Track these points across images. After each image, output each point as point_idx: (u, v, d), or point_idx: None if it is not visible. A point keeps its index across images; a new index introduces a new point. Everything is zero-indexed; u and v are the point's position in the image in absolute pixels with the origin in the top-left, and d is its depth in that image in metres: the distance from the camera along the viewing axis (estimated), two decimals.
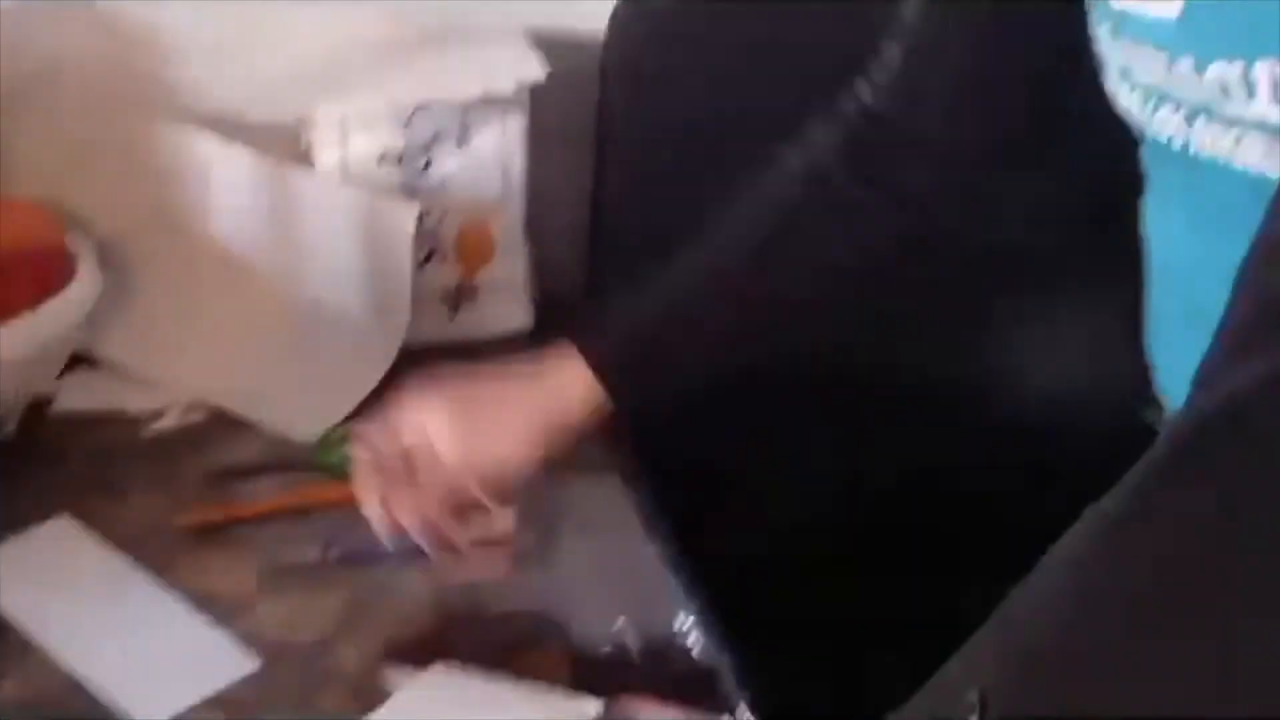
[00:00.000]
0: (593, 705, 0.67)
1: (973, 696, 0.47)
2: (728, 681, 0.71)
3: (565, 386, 0.73)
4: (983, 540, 1.03)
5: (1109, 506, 0.48)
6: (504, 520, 0.79)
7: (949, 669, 0.51)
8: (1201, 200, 0.62)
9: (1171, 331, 0.70)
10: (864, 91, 0.74)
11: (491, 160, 1.02)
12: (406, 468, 0.74)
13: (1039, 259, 0.91)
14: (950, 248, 0.74)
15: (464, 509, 0.74)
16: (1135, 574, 0.46)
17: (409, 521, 0.74)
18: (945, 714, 0.49)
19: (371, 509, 0.75)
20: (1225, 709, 0.44)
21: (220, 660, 0.73)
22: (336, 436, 0.92)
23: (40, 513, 0.85)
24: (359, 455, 0.75)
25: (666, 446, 0.93)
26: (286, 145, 1.01)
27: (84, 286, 0.94)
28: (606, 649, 0.73)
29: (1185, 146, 0.61)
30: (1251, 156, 0.58)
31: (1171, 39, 0.59)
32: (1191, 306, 0.55)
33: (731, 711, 0.69)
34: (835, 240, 0.73)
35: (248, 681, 0.71)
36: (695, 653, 0.73)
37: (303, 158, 1.01)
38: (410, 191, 1.01)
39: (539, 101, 1.01)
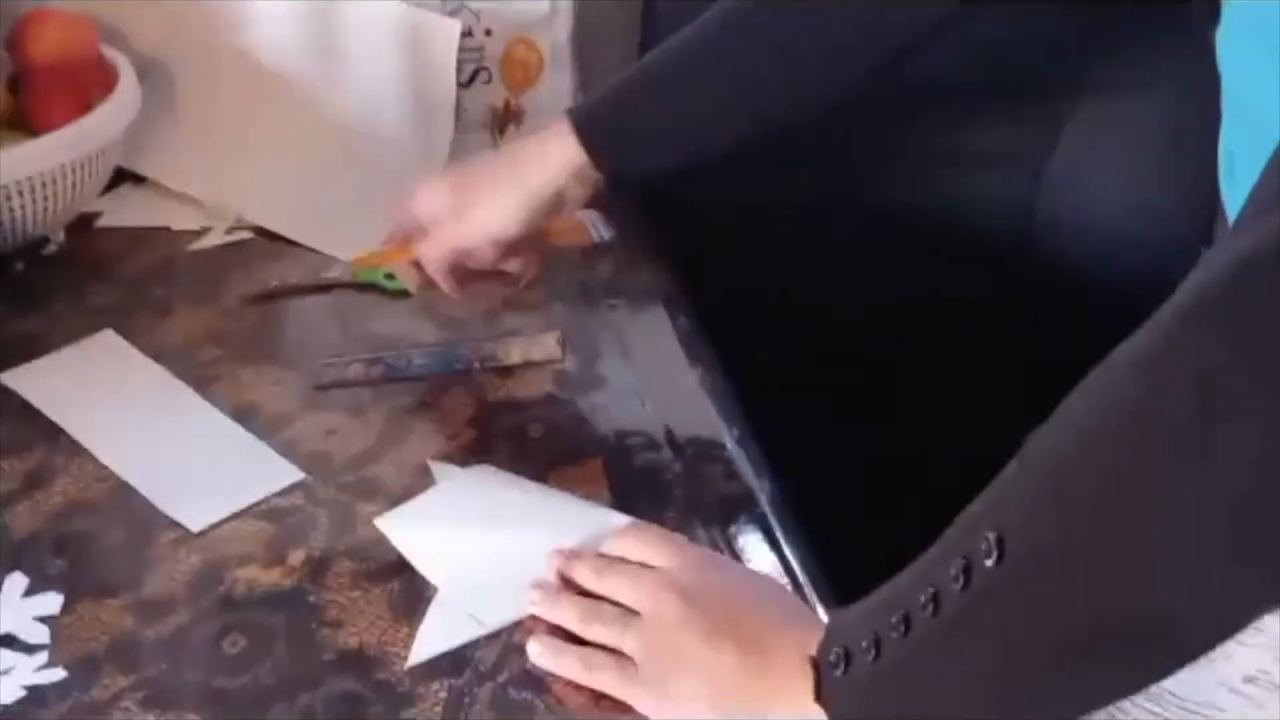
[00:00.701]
0: (622, 519, 0.67)
1: (990, 536, 0.47)
2: (764, 505, 0.70)
3: (547, 151, 0.78)
4: (1018, 377, 1.02)
5: (1131, 349, 0.46)
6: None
7: (971, 509, 0.50)
8: (1275, 33, 0.58)
9: (1244, 171, 0.67)
10: None
11: None
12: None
13: (1090, 74, 0.87)
14: (979, 36, 0.71)
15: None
16: (1149, 423, 0.44)
17: (430, 264, 0.83)
18: (964, 552, 0.48)
19: (399, 265, 0.85)
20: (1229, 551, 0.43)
21: (263, 470, 0.73)
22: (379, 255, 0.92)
23: (86, 326, 0.86)
24: (391, 227, 0.84)
25: (694, 265, 0.92)
26: None
27: (124, 98, 0.93)
28: (645, 468, 0.73)
29: None
30: None
31: None
32: (1264, 145, 0.52)
33: (770, 534, 0.68)
34: (803, 50, 0.72)
35: (290, 491, 0.72)
36: (733, 475, 0.73)
37: None
38: (455, 6, 0.98)
39: None
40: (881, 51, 0.73)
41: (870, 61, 0.74)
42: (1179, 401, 0.44)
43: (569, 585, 0.63)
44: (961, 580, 0.48)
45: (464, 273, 0.83)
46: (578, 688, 0.59)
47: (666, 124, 0.75)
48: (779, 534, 0.69)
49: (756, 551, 0.67)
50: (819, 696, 0.53)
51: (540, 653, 0.61)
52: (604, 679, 0.59)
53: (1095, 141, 0.95)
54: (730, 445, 0.75)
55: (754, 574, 0.63)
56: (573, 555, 0.64)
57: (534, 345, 0.82)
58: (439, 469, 0.73)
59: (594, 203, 0.83)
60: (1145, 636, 0.46)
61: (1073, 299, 1.01)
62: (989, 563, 0.47)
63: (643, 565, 0.62)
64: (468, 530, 0.68)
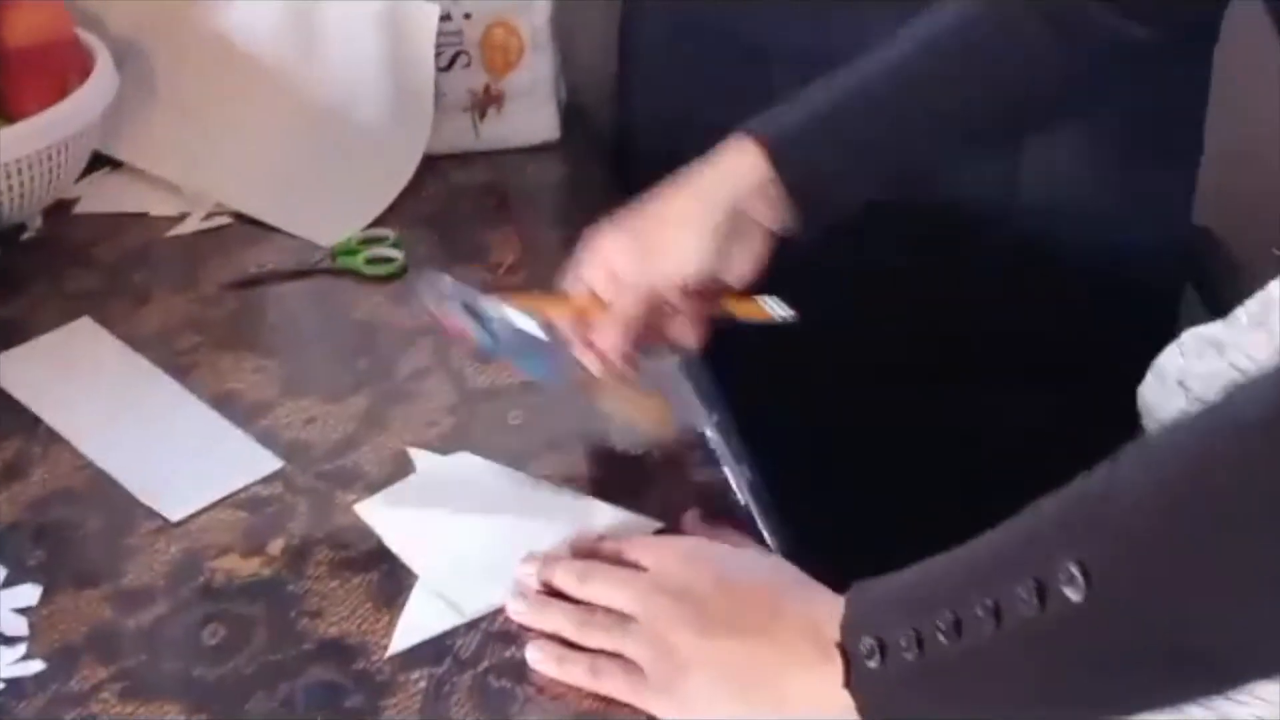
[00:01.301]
0: (605, 511, 0.67)
1: (1073, 567, 0.47)
2: (743, 491, 0.70)
3: (734, 167, 0.69)
4: (998, 352, 1.03)
5: (1227, 397, 0.47)
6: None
7: (1038, 526, 0.50)
8: None
9: None
10: None
11: None
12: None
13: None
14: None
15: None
16: (1239, 476, 0.45)
17: (626, 322, 0.69)
18: (1036, 574, 0.48)
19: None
20: None
21: (242, 459, 0.73)
22: (358, 242, 0.91)
23: (64, 313, 0.85)
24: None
25: None
26: None
27: (101, 82, 0.92)
28: (625, 456, 0.73)
29: None
30: None
31: None
32: None
33: (750, 521, 0.68)
34: (1006, 67, 0.70)
35: (269, 480, 0.72)
36: (712, 461, 0.73)
37: None
38: None
39: None
40: (1078, 54, 0.72)
41: (1067, 69, 0.72)
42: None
43: (551, 590, 0.62)
44: (1035, 601, 0.48)
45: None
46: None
47: (870, 152, 0.70)
48: (759, 520, 0.69)
49: (735, 539, 0.67)
50: (848, 683, 0.53)
51: (541, 659, 0.60)
52: (614, 685, 0.58)
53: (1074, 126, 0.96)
54: (709, 431, 0.75)
55: (742, 554, 0.62)
56: (551, 560, 0.63)
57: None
58: (419, 456, 0.73)
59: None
60: (1210, 666, 0.47)
61: (1051, 273, 1.01)
62: (1071, 592, 0.47)
63: (626, 565, 0.62)
64: (447, 518, 0.68)
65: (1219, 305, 1.00)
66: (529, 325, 0.70)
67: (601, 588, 0.61)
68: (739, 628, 0.56)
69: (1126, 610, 0.47)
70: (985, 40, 0.70)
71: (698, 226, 0.69)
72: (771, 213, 0.69)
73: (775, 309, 0.68)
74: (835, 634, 0.54)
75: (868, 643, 0.52)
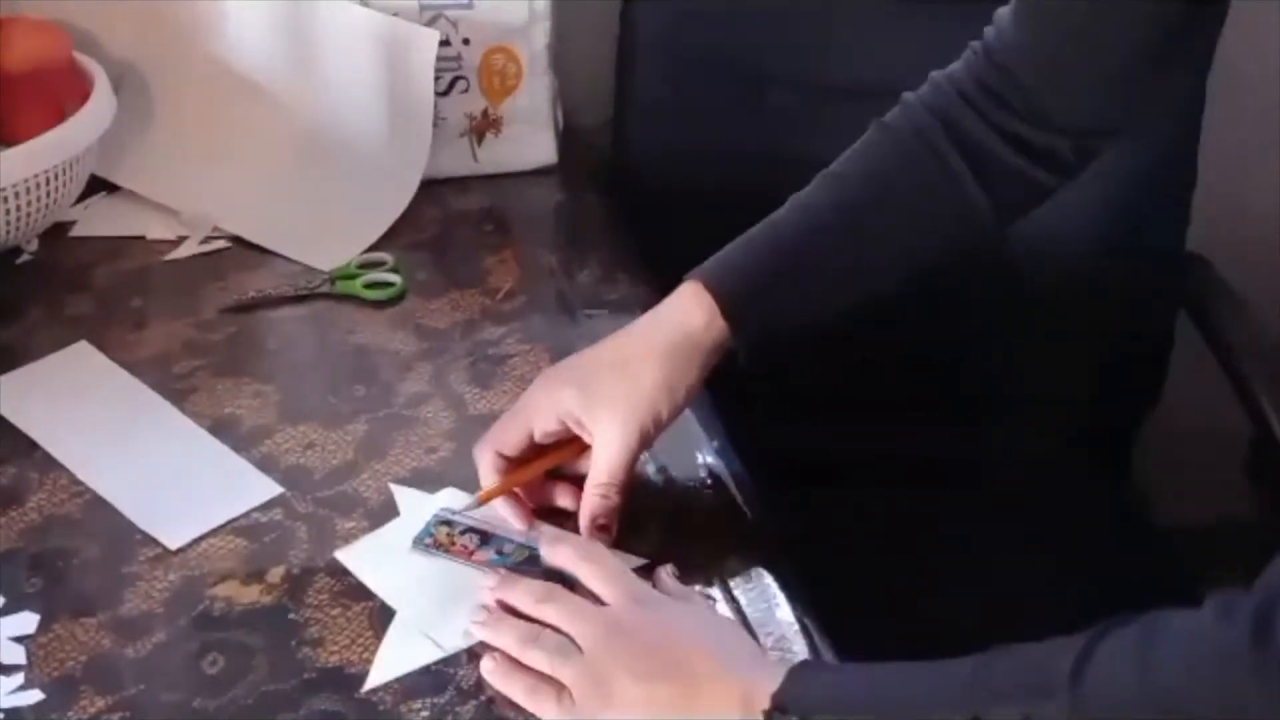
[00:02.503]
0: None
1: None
2: (746, 519, 0.71)
3: (687, 316, 0.70)
4: (994, 374, 1.04)
5: (1234, 636, 0.48)
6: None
7: (988, 676, 0.52)
8: None
9: None
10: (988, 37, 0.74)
11: None
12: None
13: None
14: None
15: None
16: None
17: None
18: (980, 716, 0.51)
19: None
20: None
21: (241, 485, 0.73)
22: (356, 266, 0.91)
23: (61, 338, 0.85)
24: (483, 454, 0.70)
25: None
26: None
27: (98, 106, 0.92)
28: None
29: None
30: None
31: None
32: None
33: (752, 547, 0.68)
34: (938, 210, 0.73)
35: (269, 507, 0.71)
36: (714, 485, 0.73)
37: None
38: (433, 15, 0.97)
39: None
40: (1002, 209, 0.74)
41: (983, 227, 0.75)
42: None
43: (513, 609, 0.64)
44: None
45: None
46: None
47: (798, 306, 0.73)
48: (761, 546, 0.69)
49: (739, 566, 0.67)
50: None
51: (492, 670, 0.61)
52: (544, 707, 0.60)
53: None
54: (710, 457, 0.75)
55: (702, 612, 0.64)
56: (509, 580, 0.65)
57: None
58: (402, 495, 0.72)
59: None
60: None
61: (1045, 302, 1.02)
62: None
63: (588, 594, 0.63)
64: (427, 557, 0.68)
65: (1213, 333, 1.01)
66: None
67: (555, 613, 0.62)
68: (673, 679, 0.58)
69: None
70: (920, 190, 0.73)
71: (656, 379, 0.69)
72: (717, 355, 0.71)
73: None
74: (765, 703, 0.56)
75: None
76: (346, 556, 0.68)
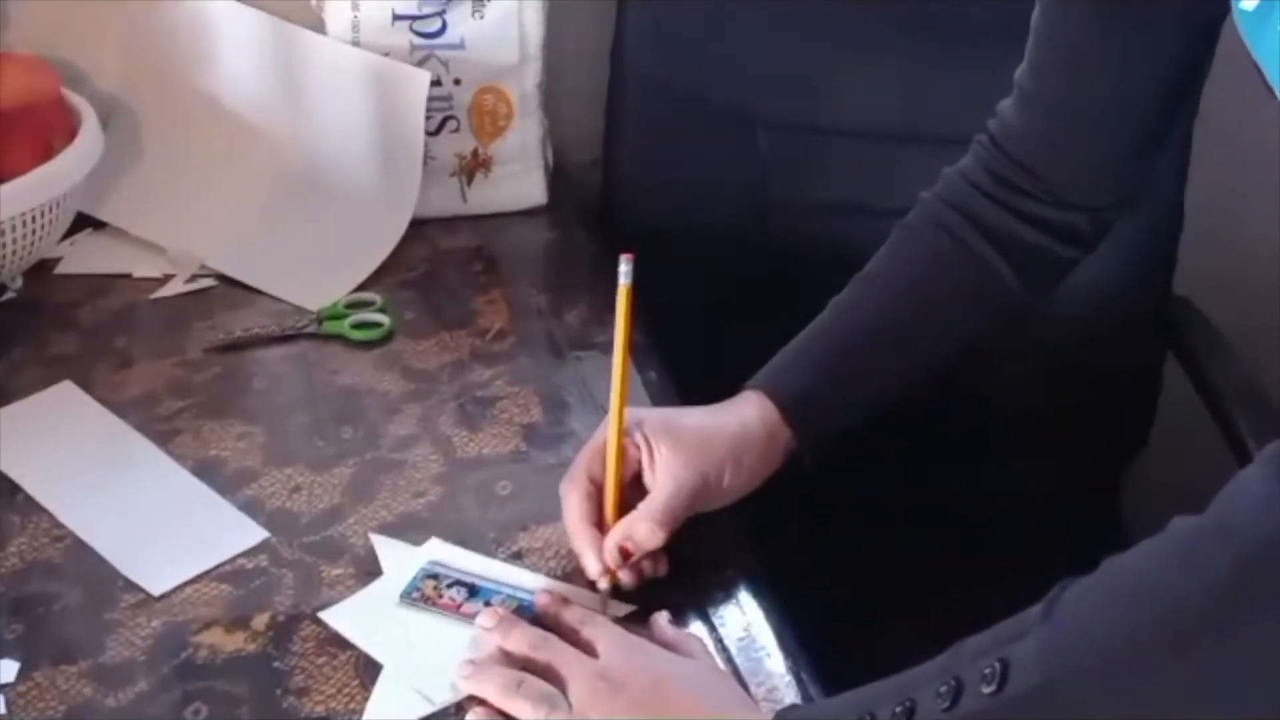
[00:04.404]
0: (577, 596, 0.67)
1: (996, 664, 0.50)
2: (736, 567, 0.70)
3: (751, 421, 0.72)
4: (986, 429, 1.04)
5: (1186, 527, 0.49)
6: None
7: (973, 641, 0.53)
8: None
9: None
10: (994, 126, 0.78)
11: (509, 22, 0.98)
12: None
13: None
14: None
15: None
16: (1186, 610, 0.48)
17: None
18: (956, 674, 0.51)
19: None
20: None
21: (226, 530, 0.72)
22: (344, 306, 0.91)
23: (44, 377, 0.84)
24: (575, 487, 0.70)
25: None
26: (296, 5, 0.98)
27: (86, 143, 0.92)
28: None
29: None
30: None
31: None
32: None
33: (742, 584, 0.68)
34: (977, 302, 0.78)
35: (254, 553, 0.71)
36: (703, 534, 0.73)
37: (313, 18, 0.98)
38: (424, 55, 0.97)
39: None
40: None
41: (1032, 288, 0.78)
42: (1217, 594, 0.47)
43: (504, 654, 0.63)
44: (948, 701, 0.50)
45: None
46: None
47: (855, 404, 0.76)
48: (749, 584, 0.69)
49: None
50: None
51: (467, 678, 0.61)
52: None
53: None
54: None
55: (689, 663, 0.63)
56: (507, 623, 0.64)
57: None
58: (384, 549, 0.70)
59: None
60: None
61: (1034, 344, 1.02)
62: (986, 689, 0.49)
63: (580, 644, 0.63)
64: (414, 611, 0.67)
65: (1199, 375, 1.01)
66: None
67: (548, 661, 0.62)
68: None
69: (1038, 708, 0.49)
70: (959, 286, 0.77)
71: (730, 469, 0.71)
72: (778, 460, 0.73)
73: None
74: None
75: None
76: (332, 617, 0.66)
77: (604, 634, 0.63)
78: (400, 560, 0.70)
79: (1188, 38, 0.70)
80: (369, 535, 0.71)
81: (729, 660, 0.65)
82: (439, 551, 0.70)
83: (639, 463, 0.70)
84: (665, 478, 0.68)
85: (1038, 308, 0.80)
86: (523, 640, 0.63)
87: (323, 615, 0.66)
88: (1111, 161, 0.75)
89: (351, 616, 0.66)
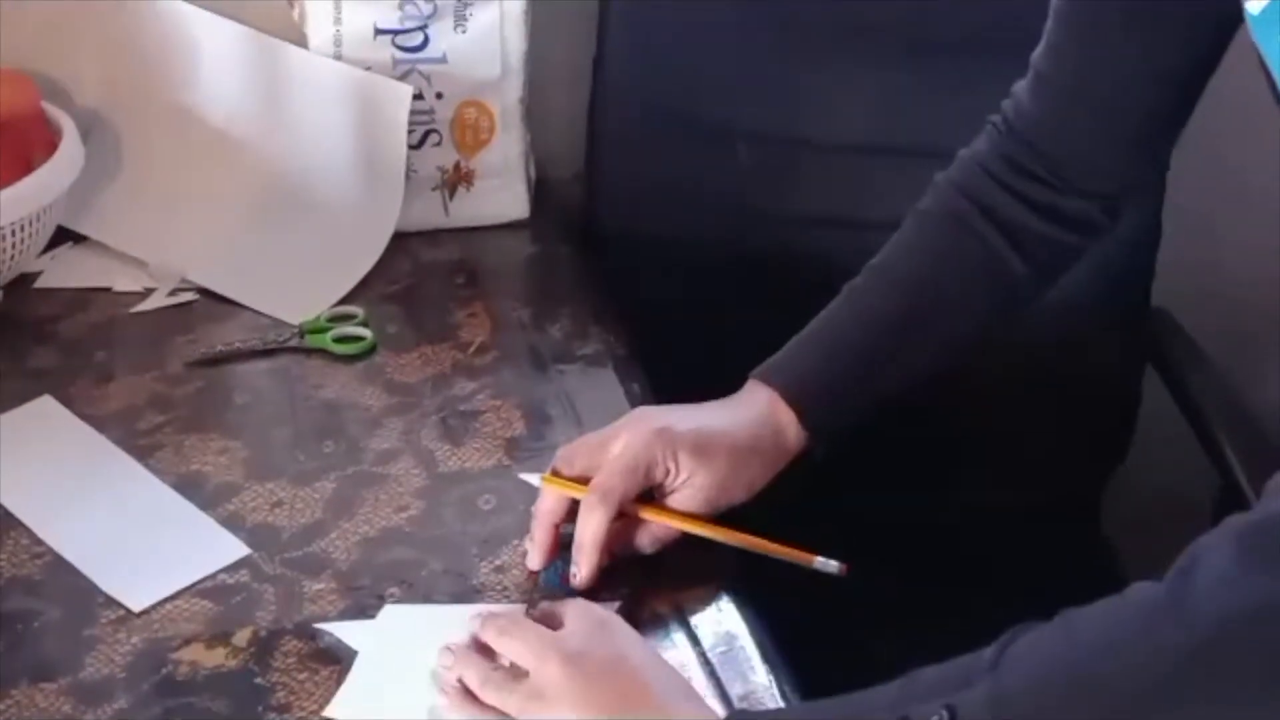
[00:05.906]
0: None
1: (944, 712, 0.51)
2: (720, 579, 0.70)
3: (779, 424, 0.74)
4: (965, 448, 1.04)
5: (1144, 596, 0.50)
6: None
7: (926, 675, 0.54)
8: None
9: None
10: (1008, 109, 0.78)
11: (491, 37, 0.98)
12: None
13: None
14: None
15: None
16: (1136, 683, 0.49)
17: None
18: (905, 713, 0.52)
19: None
20: None
21: (207, 545, 0.72)
22: (326, 319, 0.91)
23: (24, 391, 0.84)
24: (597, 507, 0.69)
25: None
26: (278, 19, 0.98)
27: (66, 156, 0.92)
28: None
29: None
30: None
31: None
32: None
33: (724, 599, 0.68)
34: (986, 293, 0.78)
35: (235, 568, 0.70)
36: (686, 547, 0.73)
37: (295, 32, 0.98)
38: (406, 69, 0.97)
39: None
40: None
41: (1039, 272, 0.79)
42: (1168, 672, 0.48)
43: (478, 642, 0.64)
44: None
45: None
46: None
47: (868, 396, 0.77)
48: (732, 595, 0.69)
49: (709, 615, 0.67)
50: None
51: (446, 705, 0.61)
52: None
53: None
54: None
55: (648, 651, 0.64)
56: (489, 616, 0.64)
57: None
58: (341, 632, 0.66)
59: None
60: None
61: (1012, 356, 1.02)
62: None
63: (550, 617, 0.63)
64: (416, 680, 0.63)
65: (1178, 388, 1.02)
66: None
67: (510, 644, 0.62)
68: (612, 711, 0.58)
69: None
70: (968, 278, 0.78)
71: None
72: (789, 456, 0.74)
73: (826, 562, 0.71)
74: None
75: None
76: (334, 712, 0.62)
77: (572, 608, 0.64)
78: (364, 632, 0.66)
79: (1202, 28, 0.71)
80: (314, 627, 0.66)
81: (711, 672, 0.65)
82: (397, 617, 0.67)
83: (664, 473, 0.70)
84: (697, 504, 0.70)
85: (1032, 305, 0.80)
86: (492, 628, 0.63)
87: (326, 713, 0.62)
88: (1120, 146, 0.76)
89: (354, 706, 0.62)
